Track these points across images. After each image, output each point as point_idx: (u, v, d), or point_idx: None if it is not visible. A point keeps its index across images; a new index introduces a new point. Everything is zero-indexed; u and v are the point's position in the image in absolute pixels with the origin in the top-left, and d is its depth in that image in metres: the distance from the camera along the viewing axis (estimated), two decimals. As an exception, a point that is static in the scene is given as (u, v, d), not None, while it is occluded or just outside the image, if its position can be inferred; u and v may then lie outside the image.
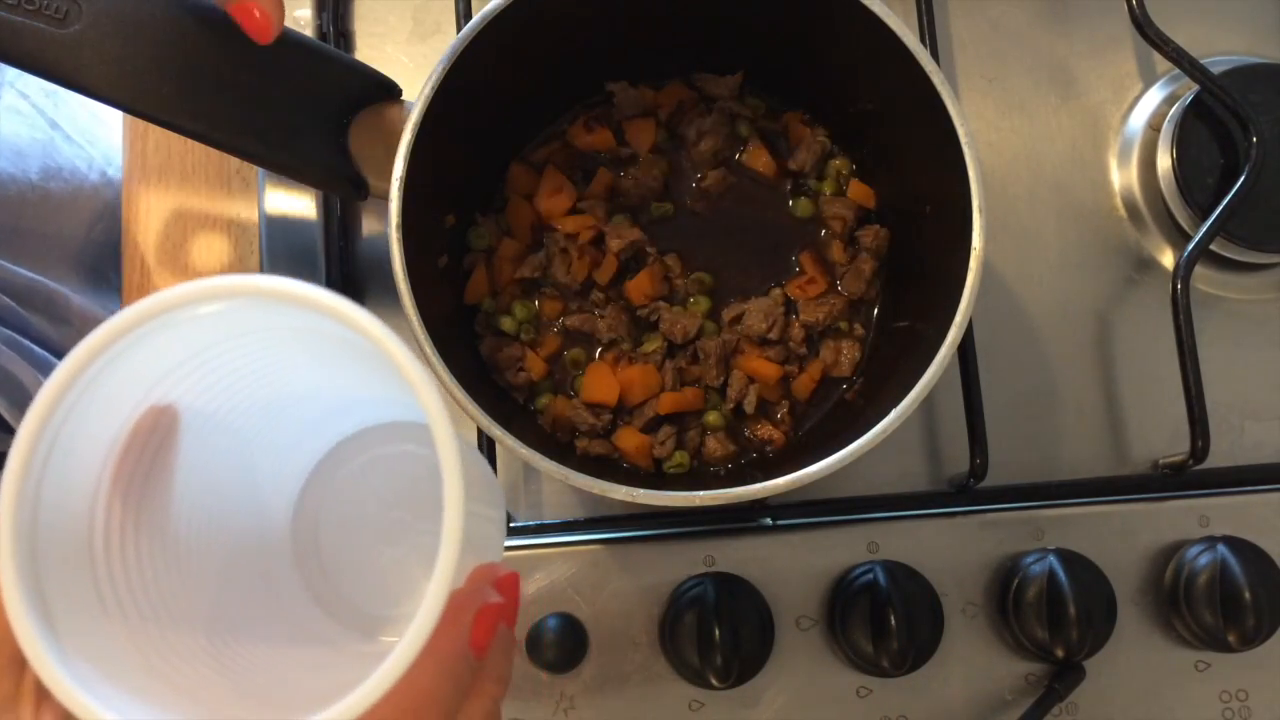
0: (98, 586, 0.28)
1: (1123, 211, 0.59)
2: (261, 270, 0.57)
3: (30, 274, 0.59)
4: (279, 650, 0.33)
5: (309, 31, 0.59)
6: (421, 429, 0.34)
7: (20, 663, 0.27)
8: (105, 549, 0.29)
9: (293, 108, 0.46)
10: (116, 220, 0.65)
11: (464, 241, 0.54)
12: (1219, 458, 0.53)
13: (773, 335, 0.53)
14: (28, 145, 0.61)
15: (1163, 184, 0.58)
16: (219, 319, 0.28)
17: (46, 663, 0.25)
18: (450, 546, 0.26)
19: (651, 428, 0.52)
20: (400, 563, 0.38)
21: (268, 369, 0.32)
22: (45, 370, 0.56)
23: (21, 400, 0.55)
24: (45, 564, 0.26)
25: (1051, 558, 0.51)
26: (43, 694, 0.28)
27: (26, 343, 0.57)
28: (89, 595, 0.28)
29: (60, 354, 0.58)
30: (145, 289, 0.57)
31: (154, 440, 0.30)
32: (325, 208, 0.57)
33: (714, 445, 0.52)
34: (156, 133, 0.58)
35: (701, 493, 0.44)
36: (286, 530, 0.37)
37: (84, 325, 0.61)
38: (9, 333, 0.57)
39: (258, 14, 0.42)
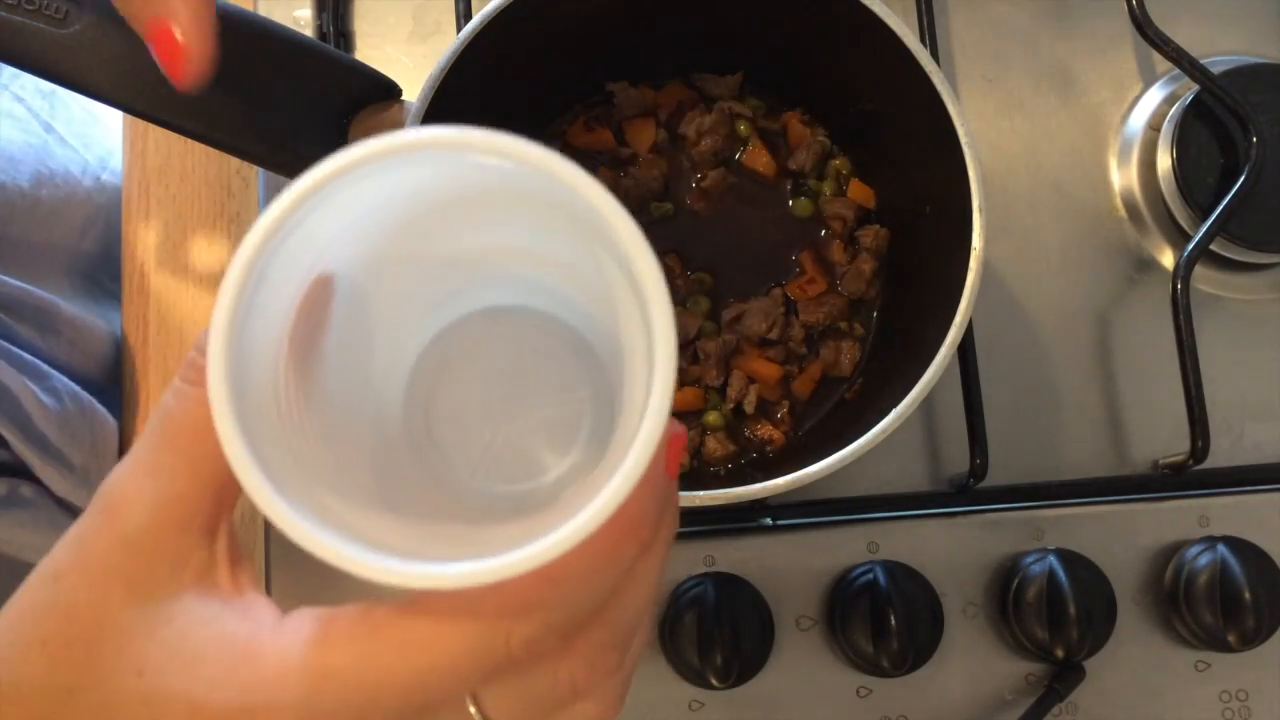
0: (290, 446, 0.28)
1: (1123, 211, 0.59)
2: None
3: (18, 283, 0.59)
4: (441, 523, 0.33)
5: (309, 31, 0.59)
6: (525, 313, 0.33)
7: (211, 533, 0.28)
8: (288, 413, 0.28)
9: (293, 108, 0.46)
10: (110, 226, 0.65)
11: (464, 241, 0.54)
12: (1219, 458, 0.53)
13: (773, 335, 0.53)
14: (20, 151, 0.61)
15: (1163, 184, 0.58)
16: (405, 174, 0.28)
17: (270, 498, 0.24)
18: (668, 366, 0.25)
19: (651, 428, 0.52)
20: (513, 440, 0.37)
21: (413, 234, 0.32)
22: (35, 379, 0.56)
23: (11, 410, 0.55)
24: (252, 422, 0.26)
25: (1051, 558, 0.51)
26: (235, 562, 0.28)
27: (16, 351, 0.57)
28: (285, 454, 0.27)
29: (50, 363, 0.58)
30: (144, 289, 0.57)
31: (316, 307, 0.30)
32: (325, 208, 0.57)
33: (714, 445, 0.52)
34: (156, 133, 0.58)
35: (701, 493, 0.44)
36: (399, 414, 0.37)
37: (74, 334, 0.61)
38: None
39: (179, 37, 0.36)
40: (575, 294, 0.34)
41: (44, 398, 0.55)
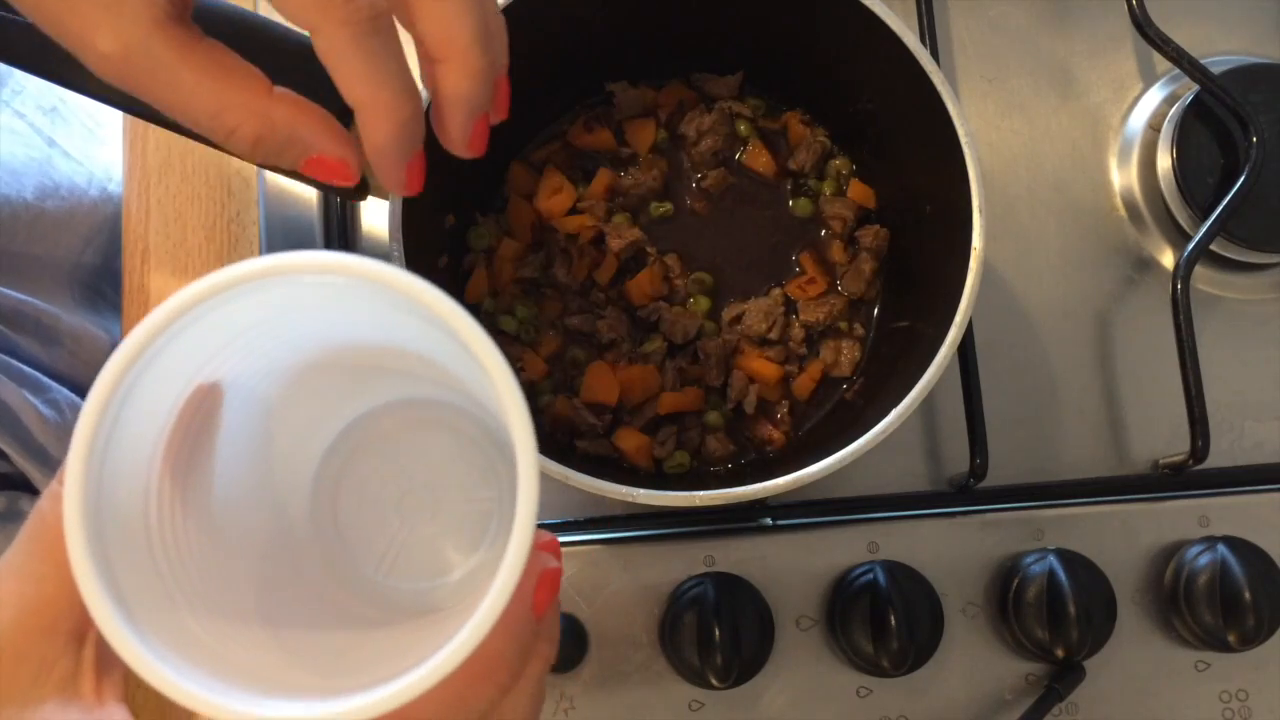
0: (156, 566, 0.28)
1: (1123, 211, 0.59)
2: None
3: (19, 295, 0.59)
4: (327, 630, 0.33)
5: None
6: (436, 405, 0.33)
7: (79, 639, 0.27)
8: (159, 528, 0.29)
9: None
10: (114, 236, 0.65)
11: (464, 241, 0.54)
12: (1219, 458, 0.53)
13: (773, 335, 0.53)
14: (23, 164, 0.61)
15: (1163, 184, 0.58)
16: (287, 291, 0.28)
17: (125, 638, 0.25)
18: (528, 511, 0.26)
19: (651, 428, 0.52)
20: (420, 537, 0.37)
21: (305, 339, 0.32)
22: (35, 391, 0.56)
23: (11, 424, 0.55)
24: (111, 542, 0.26)
25: (1051, 558, 0.51)
26: (102, 670, 0.28)
27: (15, 364, 0.57)
28: (150, 574, 0.28)
29: (51, 375, 0.58)
30: (145, 289, 0.57)
31: (199, 418, 0.30)
32: (325, 208, 0.57)
33: (714, 445, 0.52)
34: (156, 133, 0.58)
35: (701, 493, 0.44)
36: (306, 510, 0.37)
37: (76, 346, 0.61)
38: None
39: (333, 159, 0.34)
40: (477, 392, 0.34)
41: (44, 410, 0.55)
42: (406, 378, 0.37)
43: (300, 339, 0.32)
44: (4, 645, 0.26)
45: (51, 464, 0.56)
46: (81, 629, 0.27)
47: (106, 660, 0.28)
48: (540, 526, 0.52)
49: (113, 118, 0.69)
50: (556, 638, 0.32)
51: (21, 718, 0.26)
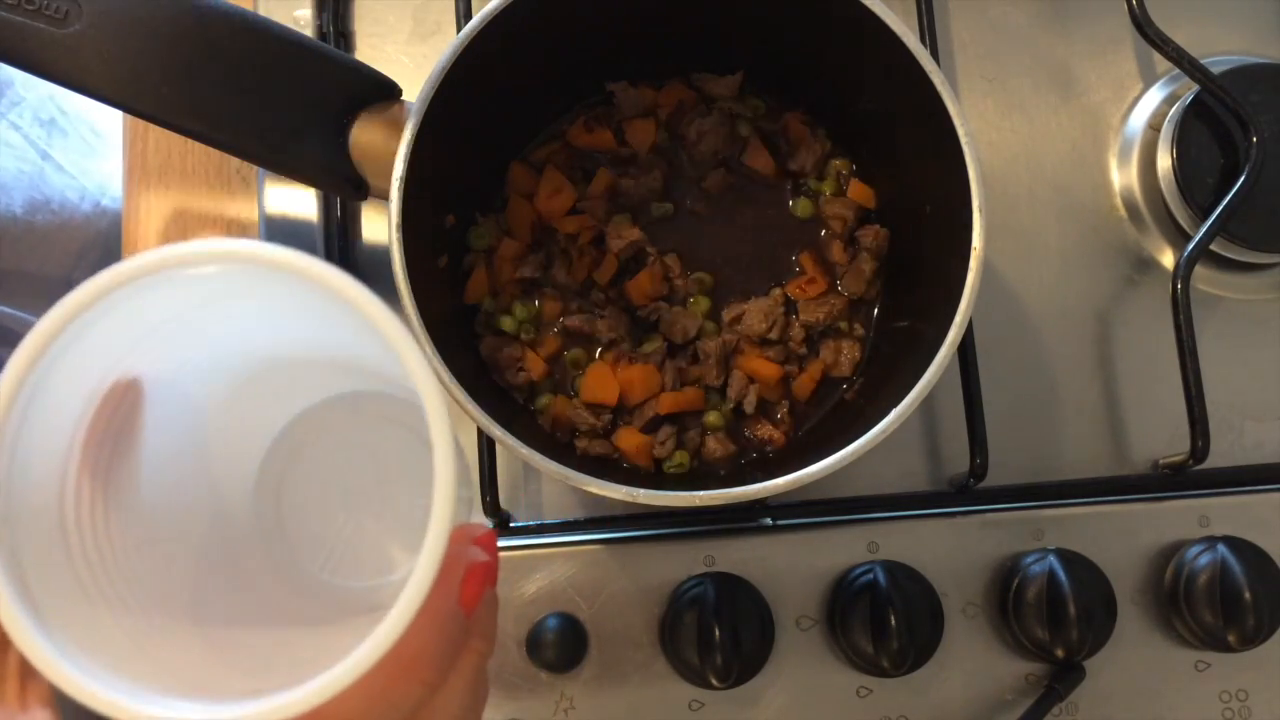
0: (73, 565, 0.28)
1: (1123, 211, 0.59)
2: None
3: (8, 310, 0.59)
4: (264, 628, 0.33)
5: (309, 31, 0.59)
6: (385, 399, 0.33)
7: (3, 645, 0.27)
8: (78, 526, 0.28)
9: (293, 108, 0.46)
10: (108, 251, 0.65)
11: (464, 241, 0.54)
12: (1219, 458, 0.53)
13: (773, 335, 0.53)
14: (13, 178, 0.61)
15: (1163, 184, 0.58)
16: (195, 284, 0.27)
17: (29, 638, 0.25)
18: (444, 504, 0.25)
19: (651, 428, 0.52)
20: (366, 534, 0.37)
21: (231, 335, 0.32)
22: None
23: None
24: (21, 542, 0.26)
25: (1051, 558, 0.51)
26: (27, 673, 0.28)
27: None
28: (65, 574, 0.27)
29: None
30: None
31: (120, 414, 0.30)
32: (325, 208, 0.57)
33: (714, 445, 0.52)
34: (156, 133, 0.58)
35: (701, 493, 0.44)
36: (249, 506, 0.36)
37: None
38: None
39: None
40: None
41: None
42: (351, 372, 0.36)
43: (226, 335, 0.31)
44: None
45: None
46: (3, 637, 0.27)
47: (31, 666, 0.28)
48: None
49: (113, 129, 0.69)
50: (492, 633, 0.31)
51: None
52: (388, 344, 0.26)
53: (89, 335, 0.27)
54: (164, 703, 0.25)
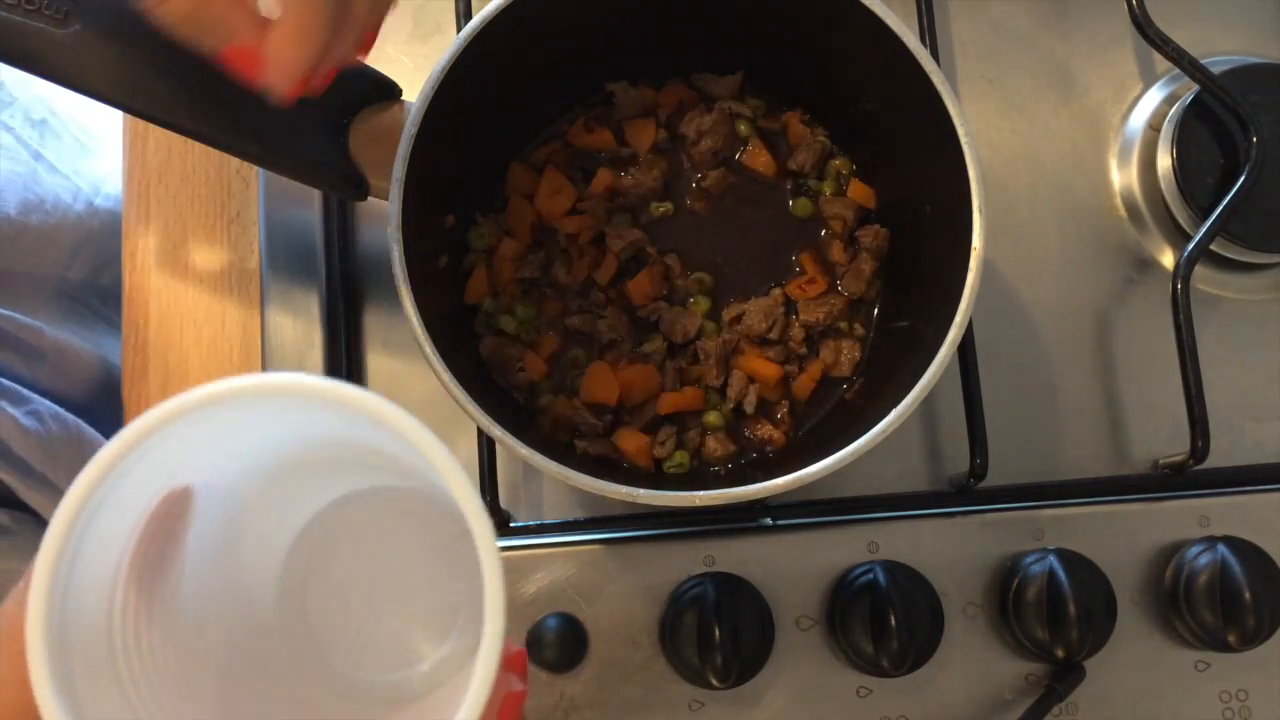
0: (116, 672, 0.28)
1: (1123, 211, 0.59)
2: (261, 272, 0.57)
3: (2, 310, 0.59)
4: None
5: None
6: (404, 493, 0.33)
7: None
8: (122, 634, 0.29)
9: (292, 108, 0.46)
10: (101, 250, 0.65)
11: (464, 241, 0.54)
12: (1219, 458, 0.53)
13: (773, 335, 0.53)
14: (6, 179, 0.61)
15: (1163, 184, 0.58)
16: (243, 410, 0.29)
17: None
18: (494, 641, 0.26)
19: (651, 428, 0.52)
20: (390, 627, 0.38)
21: (266, 441, 0.33)
22: (15, 402, 0.56)
23: None
24: (71, 651, 0.26)
25: (1051, 558, 0.51)
26: None
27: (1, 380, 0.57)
28: (109, 682, 0.28)
29: (35, 389, 0.57)
30: (145, 289, 0.57)
31: (165, 525, 0.30)
32: (325, 208, 0.57)
33: (714, 445, 0.52)
34: (156, 133, 0.58)
35: (701, 493, 0.44)
36: (274, 603, 0.37)
37: (59, 360, 0.61)
38: None
39: (251, 51, 0.37)
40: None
41: (24, 421, 0.55)
42: (372, 469, 0.37)
43: (261, 441, 0.32)
44: None
45: (35, 475, 0.56)
46: None
47: None
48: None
49: (106, 129, 0.69)
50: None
51: None
52: (436, 472, 0.27)
53: (146, 459, 0.28)
54: None
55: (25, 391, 0.57)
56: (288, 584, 0.37)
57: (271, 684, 0.35)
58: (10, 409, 0.55)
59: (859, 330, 0.54)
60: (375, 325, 0.57)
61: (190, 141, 0.50)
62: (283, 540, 0.37)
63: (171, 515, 0.30)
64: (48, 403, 0.58)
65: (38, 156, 0.63)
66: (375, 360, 0.57)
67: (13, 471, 0.55)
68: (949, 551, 0.53)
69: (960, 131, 0.45)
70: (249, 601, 0.36)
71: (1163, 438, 0.56)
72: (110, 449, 0.27)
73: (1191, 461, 0.52)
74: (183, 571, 0.32)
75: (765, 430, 0.53)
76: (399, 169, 0.45)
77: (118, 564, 0.29)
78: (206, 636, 0.33)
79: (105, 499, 0.27)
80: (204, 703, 0.32)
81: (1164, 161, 0.58)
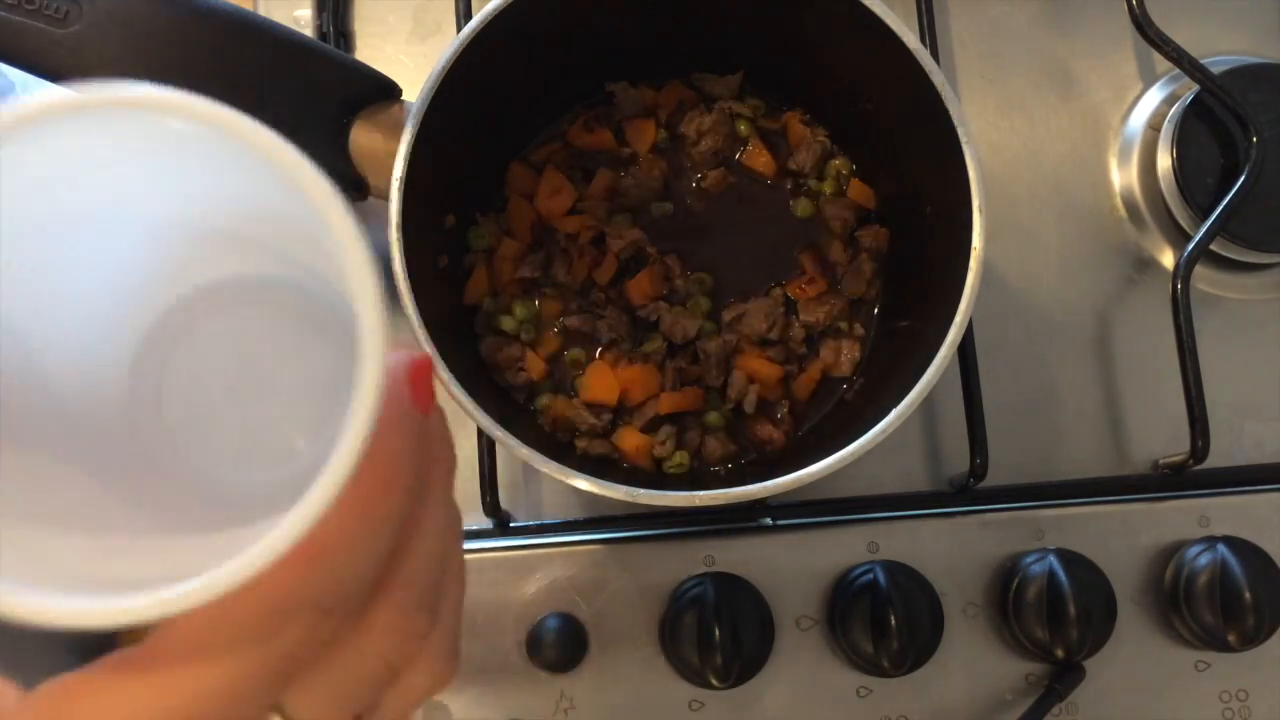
0: None
1: (1123, 211, 0.59)
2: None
3: None
4: (155, 537, 0.28)
5: (309, 31, 0.59)
6: (273, 285, 0.30)
7: None
8: None
9: (293, 108, 0.46)
10: None
11: (464, 241, 0.54)
12: (1219, 458, 0.53)
13: (773, 335, 0.53)
14: None
15: (1163, 184, 0.58)
16: (105, 132, 0.24)
17: None
18: (372, 307, 0.22)
19: (651, 428, 0.52)
20: (259, 424, 0.34)
21: (130, 194, 0.28)
22: None
23: None
24: None
25: (1051, 558, 0.51)
26: None
27: None
28: None
29: None
30: None
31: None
32: (325, 208, 0.57)
33: (714, 445, 0.52)
34: (156, 133, 0.58)
35: (701, 493, 0.44)
36: (118, 396, 0.31)
37: None
38: None
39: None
40: (301, 254, 0.30)
41: None
42: (240, 250, 0.31)
43: (126, 194, 0.28)
44: None
45: None
46: None
47: None
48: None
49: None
50: (451, 440, 0.29)
51: None
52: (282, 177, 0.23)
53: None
54: (127, 597, 0.21)
55: None
56: (138, 386, 0.31)
57: (119, 485, 0.30)
58: None
59: (859, 330, 0.54)
60: (375, 325, 0.57)
61: (190, 141, 0.50)
62: (134, 325, 0.32)
63: None
64: None
65: None
66: (375, 360, 0.57)
67: None
68: (949, 551, 0.53)
69: (960, 131, 0.45)
70: (84, 393, 0.31)
71: (1163, 438, 0.56)
72: None
73: (1191, 461, 0.52)
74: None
75: (765, 430, 0.53)
76: (399, 169, 0.45)
77: None
78: (37, 444, 0.28)
79: None
80: (55, 503, 0.27)
81: (1164, 161, 0.58)
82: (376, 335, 0.23)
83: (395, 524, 0.25)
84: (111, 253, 0.30)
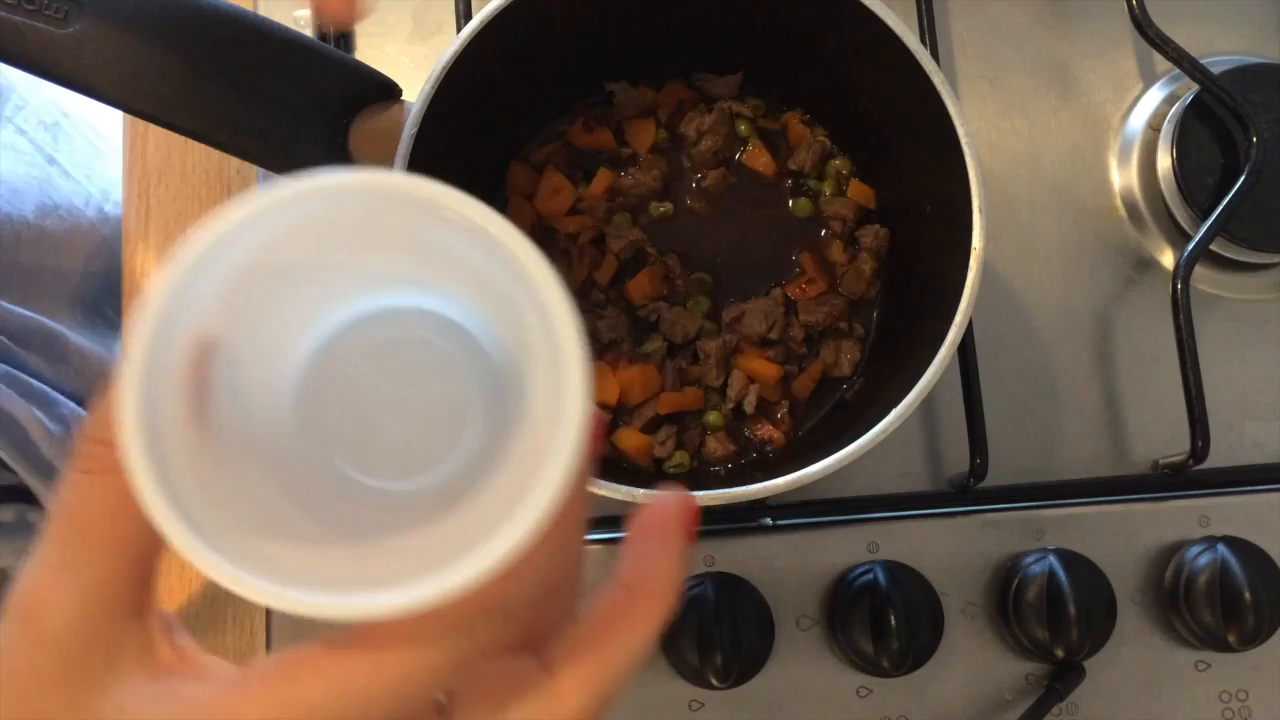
0: (206, 497, 0.26)
1: (1123, 211, 0.59)
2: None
3: (27, 312, 0.59)
4: (351, 545, 0.32)
5: (309, 31, 0.59)
6: (427, 315, 0.32)
7: (139, 614, 0.27)
8: (197, 462, 0.27)
9: (293, 108, 0.46)
10: (113, 257, 0.65)
11: (464, 241, 0.54)
12: (1219, 458, 0.53)
13: (773, 335, 0.53)
14: (24, 183, 0.61)
15: (1163, 184, 0.58)
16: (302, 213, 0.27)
17: (194, 544, 0.23)
18: (576, 348, 0.24)
19: (651, 428, 0.52)
20: (410, 435, 0.36)
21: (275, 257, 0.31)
22: (42, 406, 0.56)
23: (18, 439, 0.55)
24: (168, 478, 0.25)
25: (1051, 558, 0.51)
26: (168, 631, 0.27)
27: (24, 378, 0.57)
28: (210, 507, 0.26)
29: (57, 391, 0.58)
30: (145, 290, 0.57)
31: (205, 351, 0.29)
32: (325, 208, 0.57)
33: (714, 445, 0.52)
34: (156, 133, 0.58)
35: (701, 493, 0.44)
36: (289, 416, 0.35)
37: (81, 364, 0.61)
38: (5, 368, 0.57)
39: None
40: (451, 288, 0.32)
41: (50, 425, 0.56)
42: (382, 283, 0.34)
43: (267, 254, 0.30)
44: (68, 640, 0.25)
45: (57, 478, 0.56)
46: (139, 605, 0.27)
47: (171, 625, 0.28)
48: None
49: (117, 130, 0.69)
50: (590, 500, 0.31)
51: (108, 702, 0.25)
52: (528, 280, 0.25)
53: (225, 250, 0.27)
54: (377, 595, 0.23)
55: (52, 394, 0.57)
56: (305, 411, 0.35)
57: (324, 514, 0.33)
58: (38, 413, 0.55)
59: (859, 330, 0.54)
60: (375, 325, 0.57)
61: (190, 141, 0.50)
62: (294, 366, 0.36)
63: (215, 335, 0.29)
64: (73, 405, 0.58)
65: (51, 160, 0.64)
66: (375, 360, 0.57)
67: (37, 473, 0.55)
68: (949, 551, 0.53)
69: (960, 131, 0.45)
70: (276, 429, 0.34)
71: (1163, 438, 0.56)
72: (206, 233, 0.26)
73: (1191, 461, 0.52)
74: (220, 404, 0.30)
75: (765, 430, 0.53)
76: (399, 169, 0.45)
77: (179, 385, 0.27)
78: (259, 468, 0.31)
79: (181, 296, 0.26)
80: (291, 529, 0.29)
81: (1164, 161, 0.58)
82: (578, 357, 0.24)
83: (575, 567, 0.28)
84: (312, 289, 0.32)
